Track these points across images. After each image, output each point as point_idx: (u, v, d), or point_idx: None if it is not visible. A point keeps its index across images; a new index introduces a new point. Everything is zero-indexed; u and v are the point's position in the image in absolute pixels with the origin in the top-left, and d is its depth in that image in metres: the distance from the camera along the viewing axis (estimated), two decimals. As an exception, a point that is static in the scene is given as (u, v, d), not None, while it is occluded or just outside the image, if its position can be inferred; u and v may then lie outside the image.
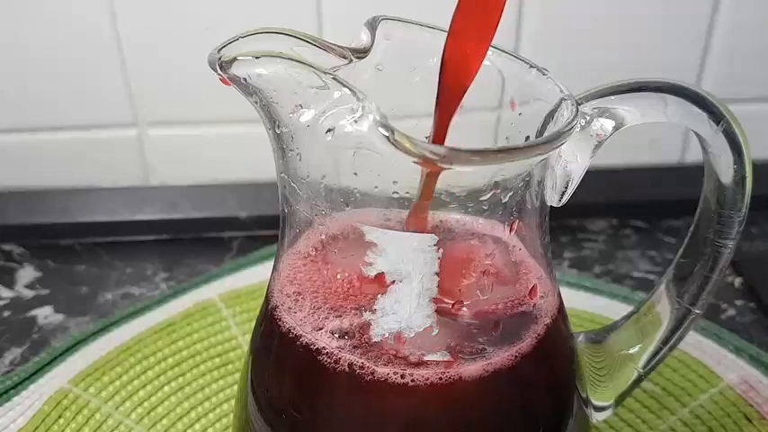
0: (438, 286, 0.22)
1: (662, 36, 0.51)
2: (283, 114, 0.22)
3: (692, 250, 0.26)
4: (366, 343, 0.23)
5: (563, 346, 0.27)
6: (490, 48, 0.25)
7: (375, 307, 0.23)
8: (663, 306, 0.27)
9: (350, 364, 0.24)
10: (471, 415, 0.24)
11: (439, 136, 0.24)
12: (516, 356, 0.25)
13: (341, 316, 0.24)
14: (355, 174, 0.23)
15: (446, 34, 0.23)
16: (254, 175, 0.54)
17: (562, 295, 0.27)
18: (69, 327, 0.44)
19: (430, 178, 0.22)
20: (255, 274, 0.46)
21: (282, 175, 0.24)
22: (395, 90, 0.27)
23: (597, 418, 0.29)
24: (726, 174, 0.23)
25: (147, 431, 0.36)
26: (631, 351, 0.28)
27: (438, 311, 0.23)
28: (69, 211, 0.52)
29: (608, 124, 0.24)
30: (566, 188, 0.24)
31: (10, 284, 0.48)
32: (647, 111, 0.24)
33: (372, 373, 0.24)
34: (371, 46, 0.25)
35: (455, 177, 0.24)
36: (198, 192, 0.54)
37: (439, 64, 0.25)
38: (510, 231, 0.24)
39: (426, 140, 0.26)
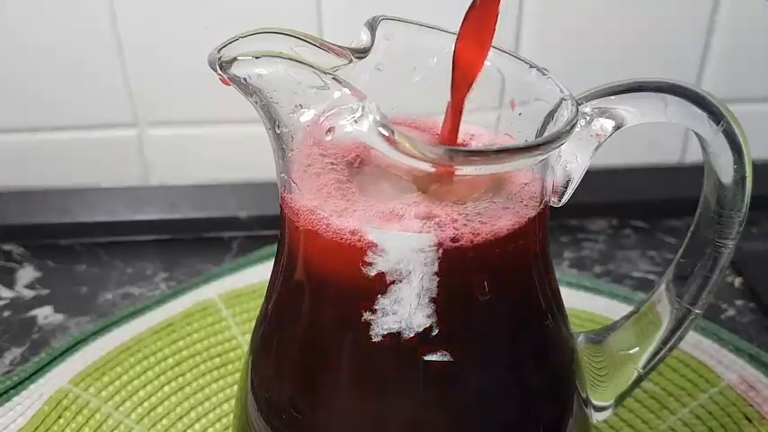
0: (438, 286, 0.22)
1: (662, 36, 0.51)
2: (283, 114, 0.22)
3: (692, 250, 0.26)
4: (367, 339, 0.23)
5: (563, 346, 0.27)
6: (491, 48, 0.25)
7: (375, 307, 0.23)
8: (663, 306, 0.27)
9: (350, 363, 0.24)
10: (470, 414, 0.24)
11: (452, 131, 0.25)
12: (516, 357, 0.25)
13: (343, 304, 0.24)
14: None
15: (455, 38, 0.24)
16: (254, 175, 0.54)
17: (562, 295, 0.27)
18: (69, 327, 0.44)
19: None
20: (255, 274, 0.46)
21: (282, 175, 0.24)
22: (395, 90, 0.27)
23: (597, 418, 0.29)
24: (726, 174, 0.23)
25: (147, 431, 0.36)
26: (631, 351, 0.28)
27: (439, 314, 0.23)
28: (69, 211, 0.52)
29: (608, 124, 0.24)
30: (566, 188, 0.24)
31: (10, 284, 0.48)
32: (647, 111, 0.24)
33: (373, 372, 0.24)
34: (371, 46, 0.25)
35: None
36: (198, 192, 0.54)
37: (439, 63, 0.25)
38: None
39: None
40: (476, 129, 0.27)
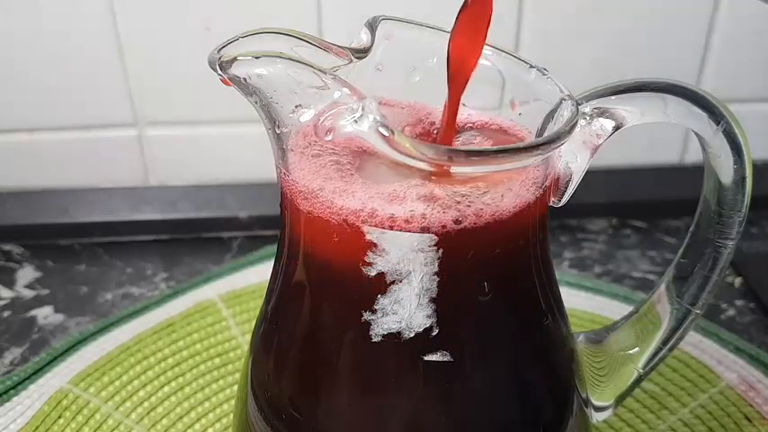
0: (438, 286, 0.22)
1: (662, 36, 0.51)
2: (283, 114, 0.22)
3: (692, 250, 0.26)
4: (367, 338, 0.23)
5: (563, 346, 0.27)
6: (491, 48, 0.25)
7: (375, 307, 0.23)
8: (663, 306, 0.27)
9: (350, 363, 0.24)
10: (470, 414, 0.24)
11: (449, 127, 0.25)
12: (516, 357, 0.25)
13: (342, 308, 0.24)
14: (355, 173, 0.23)
15: (449, 35, 0.24)
16: (254, 175, 0.54)
17: (562, 295, 0.27)
18: (69, 327, 0.44)
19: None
20: (255, 274, 0.47)
21: (281, 166, 0.24)
22: (395, 90, 0.27)
23: (597, 418, 0.29)
24: (726, 174, 0.23)
25: (147, 431, 0.36)
26: (631, 351, 0.28)
27: (439, 314, 0.23)
28: (69, 211, 0.52)
29: (608, 124, 0.24)
30: (566, 188, 0.24)
31: (10, 284, 0.48)
32: (647, 111, 0.24)
33: (373, 372, 0.24)
34: (371, 46, 0.25)
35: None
36: (198, 192, 0.54)
37: (439, 63, 0.25)
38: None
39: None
40: (474, 111, 0.27)
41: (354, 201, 0.22)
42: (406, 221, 0.21)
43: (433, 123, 0.27)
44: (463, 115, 0.27)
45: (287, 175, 0.23)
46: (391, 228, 0.21)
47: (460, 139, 0.26)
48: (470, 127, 0.27)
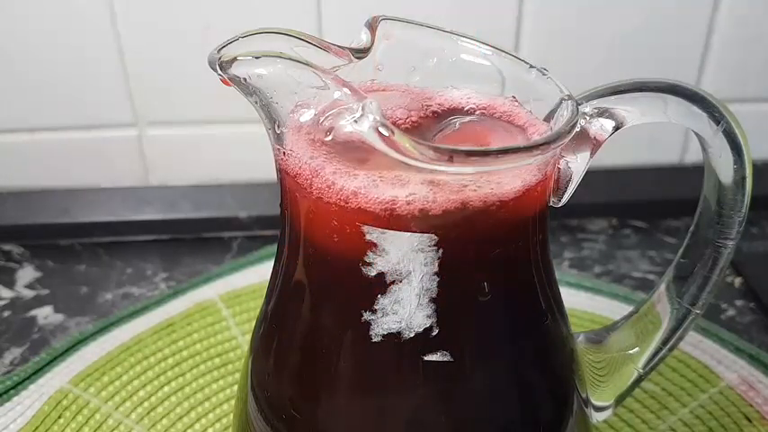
0: (438, 286, 0.22)
1: (662, 36, 0.51)
2: (283, 114, 0.22)
3: (692, 250, 0.26)
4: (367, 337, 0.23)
5: (563, 346, 0.27)
6: (491, 48, 0.25)
7: (375, 307, 0.23)
8: (663, 306, 0.27)
9: (350, 363, 0.24)
10: (470, 414, 0.24)
11: None
12: (516, 356, 0.25)
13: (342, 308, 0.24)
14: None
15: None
16: (254, 175, 0.54)
17: (562, 295, 0.27)
18: (69, 327, 0.44)
19: None
20: (255, 274, 0.47)
21: (278, 148, 0.24)
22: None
23: (597, 418, 0.29)
24: (726, 174, 0.23)
25: (147, 431, 0.36)
26: (631, 351, 0.28)
27: (439, 314, 0.23)
28: (69, 211, 0.53)
29: (608, 124, 0.24)
30: (566, 188, 0.24)
31: (10, 284, 0.48)
32: (647, 111, 0.24)
33: (372, 372, 0.24)
34: (371, 46, 0.25)
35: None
36: (198, 192, 0.54)
37: (438, 63, 0.25)
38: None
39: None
40: (474, 94, 0.27)
41: (356, 181, 0.22)
42: (408, 203, 0.21)
43: (429, 108, 0.27)
44: (471, 99, 0.26)
45: (286, 158, 0.23)
46: (392, 210, 0.21)
47: (468, 121, 0.26)
48: (473, 109, 0.26)
